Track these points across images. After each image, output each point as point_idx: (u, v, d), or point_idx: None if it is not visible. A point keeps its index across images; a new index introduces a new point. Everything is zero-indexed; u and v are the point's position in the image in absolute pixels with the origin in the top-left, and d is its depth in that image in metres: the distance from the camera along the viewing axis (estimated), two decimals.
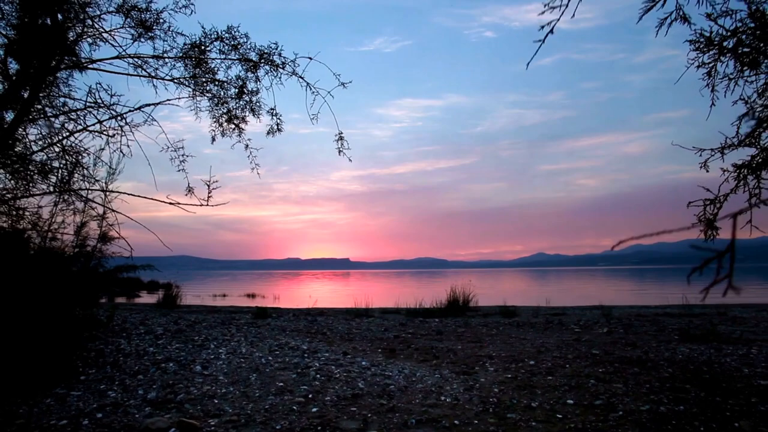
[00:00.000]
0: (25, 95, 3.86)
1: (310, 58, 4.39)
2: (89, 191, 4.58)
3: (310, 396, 3.85)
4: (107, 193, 4.76)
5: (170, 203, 3.92)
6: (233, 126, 4.71)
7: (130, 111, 4.13)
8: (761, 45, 2.66)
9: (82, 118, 4.19)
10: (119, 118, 4.15)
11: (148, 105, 4.27)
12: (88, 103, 4.12)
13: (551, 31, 2.43)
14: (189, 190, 4.22)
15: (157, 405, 3.59)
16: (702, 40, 2.83)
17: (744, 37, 2.69)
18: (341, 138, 4.44)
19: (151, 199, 4.03)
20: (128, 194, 4.24)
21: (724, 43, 2.78)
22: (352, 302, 14.15)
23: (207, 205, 3.95)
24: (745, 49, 2.69)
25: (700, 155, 3.13)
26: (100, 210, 5.10)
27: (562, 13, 2.42)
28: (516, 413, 3.43)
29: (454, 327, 8.35)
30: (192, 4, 4.41)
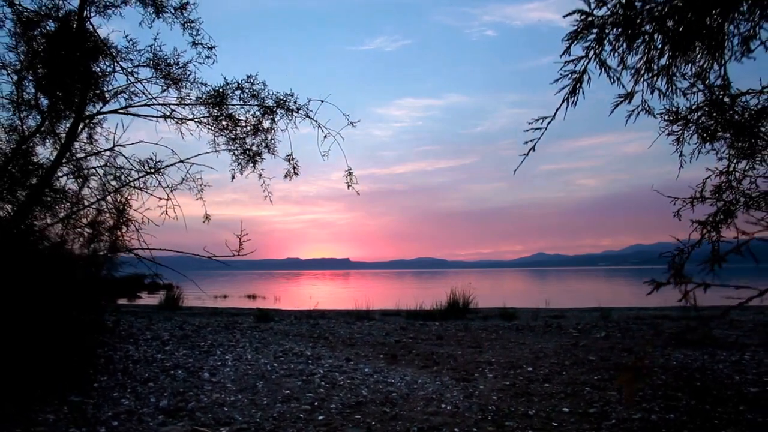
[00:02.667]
0: (59, 130, 4.12)
1: (322, 101, 4.86)
2: (142, 249, 4.90)
3: (315, 404, 4.00)
4: (152, 250, 5.08)
5: (208, 257, 4.18)
6: (247, 158, 4.97)
7: (167, 166, 4.44)
8: (716, 121, 2.90)
9: (126, 174, 4.51)
10: (159, 172, 4.44)
11: (184, 160, 4.60)
12: (138, 168, 4.41)
13: (533, 148, 2.79)
14: (206, 218, 4.46)
15: (170, 413, 3.74)
16: (671, 114, 3.09)
17: (703, 113, 2.94)
18: (350, 173, 4.71)
19: (191, 254, 4.32)
20: (172, 251, 4.54)
21: (689, 116, 3.04)
22: (353, 304, 14.31)
23: (238, 255, 4.23)
24: (706, 125, 2.95)
25: (674, 203, 3.38)
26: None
27: (544, 131, 2.76)
28: (514, 421, 3.58)
29: (454, 331, 8.50)
30: (215, 54, 4.92)
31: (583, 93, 2.74)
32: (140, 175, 4.66)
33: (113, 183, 4.63)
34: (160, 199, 4.62)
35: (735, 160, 3.09)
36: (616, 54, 2.70)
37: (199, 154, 4.80)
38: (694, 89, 2.85)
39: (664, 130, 3.31)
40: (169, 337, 7.06)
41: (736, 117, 2.87)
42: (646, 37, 2.54)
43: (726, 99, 2.89)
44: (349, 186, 4.89)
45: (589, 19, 2.59)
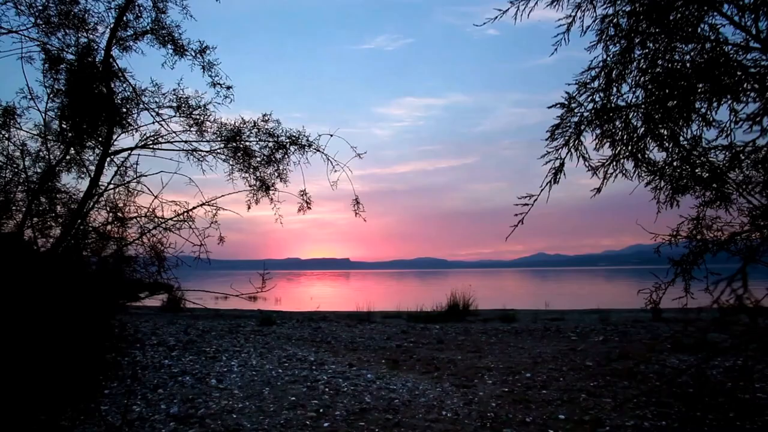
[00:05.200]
0: (83, 157, 4.38)
1: (331, 135, 5.26)
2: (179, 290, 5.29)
3: (321, 411, 4.15)
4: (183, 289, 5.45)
5: (236, 295, 4.47)
6: (260, 184, 5.29)
7: (194, 208, 4.75)
8: (686, 177, 3.15)
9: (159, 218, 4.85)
10: (188, 214, 4.72)
11: (209, 202, 4.98)
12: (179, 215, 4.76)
13: (521, 221, 3.30)
14: (220, 240, 4.70)
15: (181, 420, 3.88)
16: (647, 165, 3.35)
17: (674, 168, 3.22)
18: (358, 202, 5.02)
19: (219, 293, 4.63)
20: (202, 291, 4.85)
21: (664, 169, 3.30)
22: (354, 305, 14.46)
23: (262, 291, 4.48)
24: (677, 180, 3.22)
25: (655, 240, 3.61)
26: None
27: (531, 207, 3.26)
28: (511, 428, 3.73)
29: (454, 334, 8.64)
30: (232, 94, 5.47)
31: (564, 174, 3.27)
32: (171, 218, 5.00)
33: (148, 225, 4.92)
34: (194, 245, 4.95)
35: (704, 209, 3.33)
36: (593, 134, 3.13)
37: (222, 195, 5.28)
38: (668, 146, 3.15)
39: (642, 178, 3.54)
40: (175, 342, 7.21)
41: (705, 173, 3.13)
42: (615, 136, 2.99)
43: (695, 152, 3.15)
44: (356, 213, 5.20)
45: (568, 111, 3.12)
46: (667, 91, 3.05)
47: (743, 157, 2.88)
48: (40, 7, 4.44)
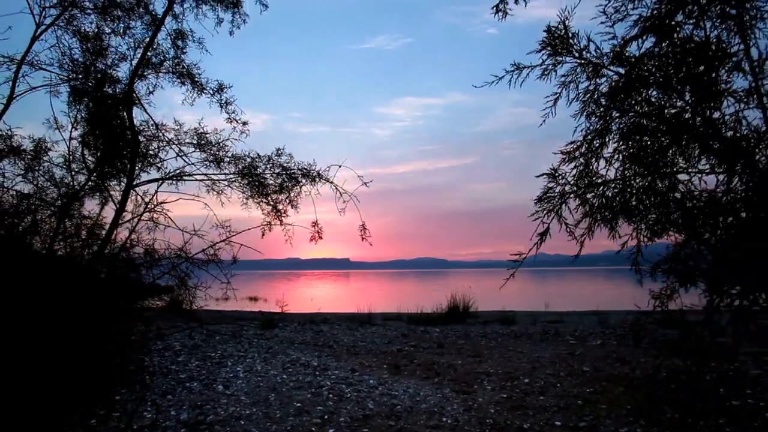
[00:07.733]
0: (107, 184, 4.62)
1: (339, 166, 5.69)
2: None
3: (325, 417, 4.28)
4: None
5: (251, 326, 4.61)
6: (270, 206, 5.56)
7: (218, 243, 5.03)
8: (662, 222, 3.40)
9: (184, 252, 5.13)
10: (211, 248, 4.95)
11: (229, 239, 5.27)
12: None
13: (513, 275, 3.78)
14: (234, 261, 4.89)
15: (191, 426, 4.02)
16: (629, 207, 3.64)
17: (653, 213, 3.51)
18: (364, 228, 5.27)
19: (242, 323, 4.80)
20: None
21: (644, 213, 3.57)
22: (354, 306, 14.61)
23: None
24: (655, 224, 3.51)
25: (639, 273, 3.82)
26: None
27: (520, 264, 3.72)
28: None
29: (454, 338, 8.78)
30: (247, 129, 6.08)
31: (550, 235, 3.80)
32: (196, 253, 5.31)
33: (177, 260, 5.16)
34: (222, 282, 5.23)
35: (681, 249, 3.54)
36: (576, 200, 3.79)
37: (243, 231, 5.67)
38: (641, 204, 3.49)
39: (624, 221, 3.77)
40: (180, 347, 7.35)
41: (680, 218, 3.37)
42: (593, 207, 3.39)
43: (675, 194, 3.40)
44: (363, 238, 5.49)
45: (552, 180, 3.71)
46: (635, 169, 3.59)
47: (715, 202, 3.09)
48: (82, 67, 5.17)
